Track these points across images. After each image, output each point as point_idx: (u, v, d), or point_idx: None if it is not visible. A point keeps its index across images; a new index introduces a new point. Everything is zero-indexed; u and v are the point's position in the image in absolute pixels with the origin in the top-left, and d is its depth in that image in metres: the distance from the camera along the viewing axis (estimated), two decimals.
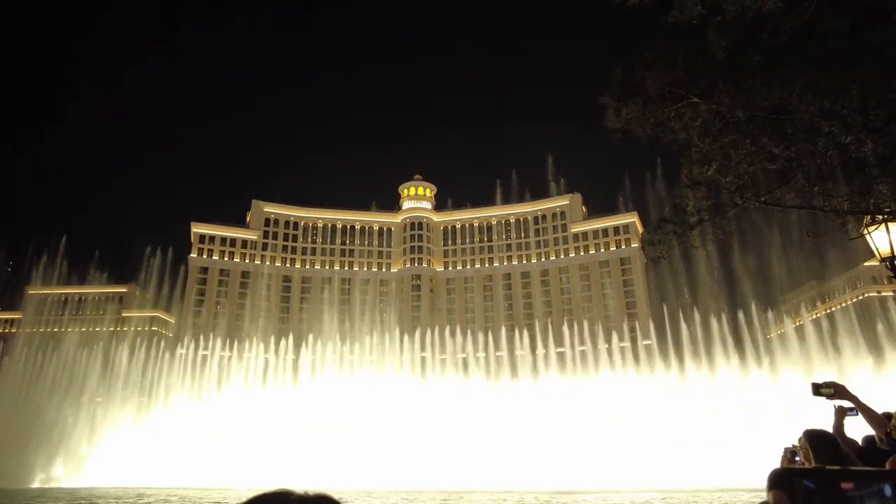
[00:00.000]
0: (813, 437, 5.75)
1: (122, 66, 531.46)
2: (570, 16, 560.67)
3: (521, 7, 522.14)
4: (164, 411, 74.99)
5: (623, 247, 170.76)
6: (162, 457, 62.01)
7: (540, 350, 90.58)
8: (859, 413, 6.93)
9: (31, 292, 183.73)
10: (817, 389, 7.03)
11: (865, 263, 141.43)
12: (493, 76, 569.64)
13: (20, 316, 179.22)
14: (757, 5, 10.28)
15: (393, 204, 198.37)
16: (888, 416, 7.07)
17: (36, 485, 62.95)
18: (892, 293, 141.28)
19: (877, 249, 9.96)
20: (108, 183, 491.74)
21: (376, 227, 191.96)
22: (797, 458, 8.27)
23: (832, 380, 7.28)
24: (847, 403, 7.07)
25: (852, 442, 6.71)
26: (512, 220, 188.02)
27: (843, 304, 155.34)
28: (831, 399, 7.09)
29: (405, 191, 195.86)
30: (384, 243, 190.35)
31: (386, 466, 53.50)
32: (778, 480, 2.07)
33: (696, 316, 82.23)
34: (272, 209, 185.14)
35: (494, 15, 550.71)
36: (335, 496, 1.87)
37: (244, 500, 1.72)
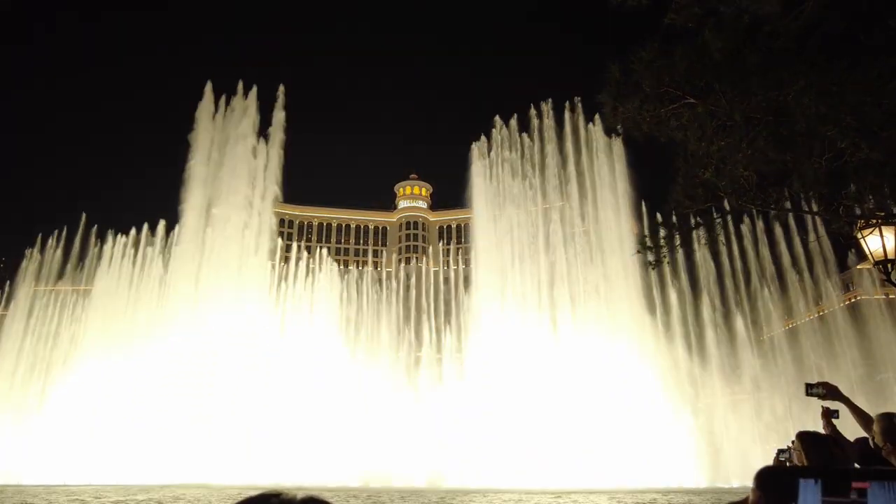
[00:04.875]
0: (806, 439, 5.70)
1: (122, 55, 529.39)
2: (566, 15, 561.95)
3: (519, 6, 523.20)
4: None
5: None
6: None
7: None
8: (841, 416, 6.91)
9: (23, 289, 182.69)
10: (809, 390, 7.02)
11: (858, 266, 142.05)
12: (491, 76, 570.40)
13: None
14: (754, 7, 10.31)
15: (388, 203, 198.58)
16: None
17: None
18: (884, 296, 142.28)
19: (870, 253, 9.99)
20: (105, 180, 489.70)
21: (371, 226, 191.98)
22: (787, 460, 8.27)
23: (824, 381, 7.27)
24: (833, 405, 7.05)
25: (849, 444, 6.64)
26: None
27: (836, 307, 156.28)
28: (823, 400, 7.09)
29: (401, 190, 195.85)
30: (379, 242, 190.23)
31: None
32: (764, 481, 1.82)
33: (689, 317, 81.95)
34: None
35: (493, 14, 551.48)
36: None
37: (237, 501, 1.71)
